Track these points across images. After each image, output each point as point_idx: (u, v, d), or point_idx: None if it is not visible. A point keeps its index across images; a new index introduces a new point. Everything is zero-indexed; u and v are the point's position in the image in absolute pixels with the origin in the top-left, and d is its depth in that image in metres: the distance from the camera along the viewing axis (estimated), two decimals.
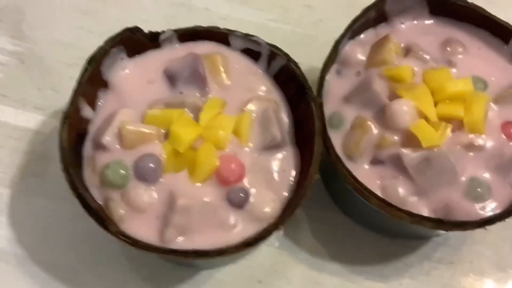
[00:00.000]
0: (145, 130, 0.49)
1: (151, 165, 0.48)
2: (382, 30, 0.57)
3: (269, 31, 0.71)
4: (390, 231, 0.59)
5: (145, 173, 0.48)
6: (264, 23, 0.72)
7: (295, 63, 0.52)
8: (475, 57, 0.56)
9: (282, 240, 0.60)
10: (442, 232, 0.59)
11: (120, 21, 0.69)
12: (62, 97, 0.64)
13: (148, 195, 0.48)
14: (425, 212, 0.51)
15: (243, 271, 0.59)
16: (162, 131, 0.50)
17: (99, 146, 0.49)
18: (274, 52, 0.53)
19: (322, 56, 0.66)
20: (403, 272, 0.59)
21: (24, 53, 0.68)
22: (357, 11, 0.71)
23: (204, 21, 0.70)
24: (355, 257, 0.60)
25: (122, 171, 0.48)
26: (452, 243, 0.61)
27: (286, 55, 0.52)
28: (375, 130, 0.52)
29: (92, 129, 0.51)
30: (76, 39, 0.69)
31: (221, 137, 0.49)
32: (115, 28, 0.69)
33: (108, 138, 0.49)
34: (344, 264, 0.59)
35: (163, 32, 0.54)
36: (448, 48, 0.56)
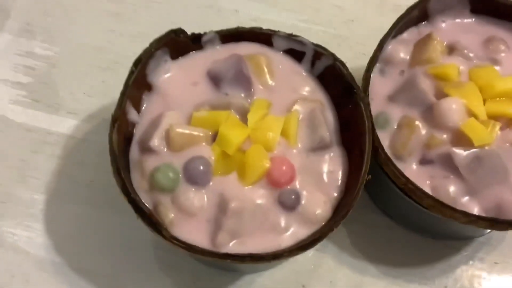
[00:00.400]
0: (193, 132, 0.48)
1: (201, 167, 0.47)
2: (424, 28, 0.57)
3: (299, 32, 0.69)
4: (434, 232, 0.58)
5: (196, 176, 0.47)
6: (295, 23, 0.71)
7: (342, 63, 0.51)
8: None
9: (324, 243, 0.59)
10: (486, 231, 0.58)
11: (150, 24, 0.69)
12: (95, 101, 0.65)
13: (198, 199, 0.47)
14: (476, 211, 0.50)
15: (286, 275, 0.58)
16: (210, 133, 0.49)
17: (146, 149, 0.49)
18: (319, 52, 0.52)
19: (355, 56, 0.66)
20: (447, 274, 0.58)
21: (55, 57, 0.67)
22: (387, 11, 0.72)
23: (233, 23, 0.69)
24: (398, 259, 0.59)
25: (172, 174, 0.47)
26: (494, 243, 0.60)
27: (333, 55, 0.52)
28: (423, 129, 0.51)
29: (137, 132, 0.50)
30: (107, 43, 0.68)
31: (270, 138, 0.49)
32: (146, 31, 0.69)
33: (156, 141, 0.48)
34: (387, 266, 0.58)
35: (205, 33, 0.53)
36: (490, 46, 0.56)
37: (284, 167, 0.48)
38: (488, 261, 0.59)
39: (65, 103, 0.64)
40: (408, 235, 0.59)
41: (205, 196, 0.47)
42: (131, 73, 0.49)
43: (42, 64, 0.66)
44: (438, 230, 0.57)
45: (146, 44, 0.67)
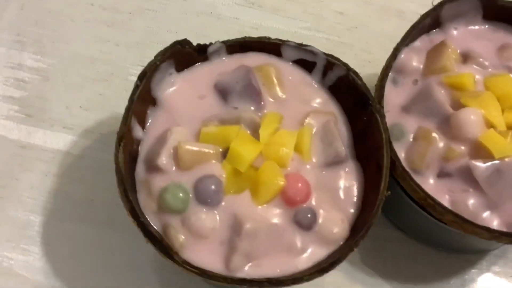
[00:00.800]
0: (203, 149, 0.46)
1: (213, 187, 0.45)
2: (435, 36, 0.55)
3: (302, 40, 0.68)
4: (450, 246, 0.56)
5: (207, 196, 0.45)
6: (297, 31, 0.69)
7: (356, 73, 0.49)
8: None
9: None
10: (501, 244, 0.57)
11: (147, 33, 0.67)
12: (92, 115, 0.62)
13: (210, 220, 0.45)
14: (496, 225, 0.48)
15: None
16: (220, 149, 0.46)
17: (154, 168, 0.46)
18: (332, 62, 0.50)
19: (360, 64, 0.64)
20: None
21: (48, 69, 0.64)
22: (390, 16, 0.70)
23: (234, 31, 0.68)
24: (412, 274, 0.57)
25: (182, 194, 0.45)
26: (510, 255, 0.58)
27: (346, 65, 0.50)
28: (440, 141, 0.50)
29: (143, 150, 0.48)
30: (103, 53, 0.65)
31: (284, 154, 0.46)
32: (143, 40, 0.66)
33: (164, 159, 0.45)
34: (401, 282, 0.57)
35: (211, 44, 0.50)
36: (504, 54, 0.54)
37: (299, 184, 0.46)
38: (504, 274, 0.57)
39: (60, 118, 0.61)
40: (421, 249, 0.57)
41: (217, 217, 0.45)
42: (136, 87, 0.46)
43: (34, 76, 0.63)
44: (454, 245, 0.55)
45: (143, 54, 0.65)
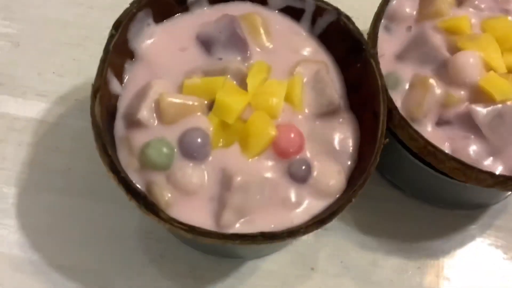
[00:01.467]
0: (187, 101, 0.43)
1: (199, 140, 0.42)
2: None
3: None
4: (449, 202, 0.54)
5: (193, 149, 0.41)
6: None
7: (348, 17, 0.46)
8: None
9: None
10: (502, 198, 0.54)
11: None
12: (66, 81, 0.58)
13: (197, 175, 0.41)
14: (500, 172, 0.46)
15: (292, 258, 0.53)
16: (205, 102, 0.43)
17: (134, 123, 0.43)
18: (321, 7, 0.47)
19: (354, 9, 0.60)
20: (466, 244, 0.54)
21: (18, 35, 0.60)
22: None
23: None
24: (411, 233, 0.54)
25: (165, 149, 0.41)
26: (511, 209, 0.56)
27: (337, 9, 0.47)
28: (438, 87, 0.47)
29: (121, 105, 0.44)
30: (76, 16, 0.61)
31: (274, 104, 0.43)
32: (119, 2, 0.62)
33: (145, 113, 0.42)
34: (401, 241, 0.54)
35: None
36: None
37: (292, 135, 0.43)
38: (505, 229, 0.55)
39: (33, 85, 0.57)
40: (420, 207, 0.55)
41: (205, 172, 0.42)
42: (111, 36, 0.43)
43: (4, 43, 0.59)
44: (454, 199, 0.53)
45: (118, 16, 0.61)
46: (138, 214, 0.52)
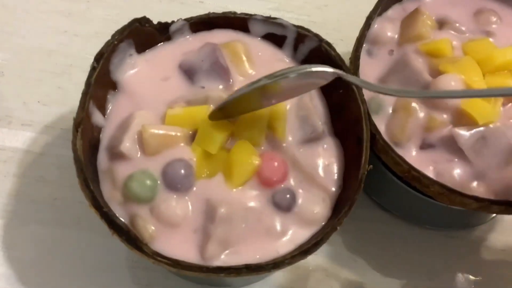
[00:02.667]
0: (169, 132, 0.42)
1: (182, 171, 0.41)
2: (408, 4, 0.53)
3: None
4: (436, 222, 0.54)
5: (176, 181, 0.41)
6: (265, 12, 0.65)
7: (329, 44, 0.46)
8: (511, 25, 0.52)
9: None
10: (490, 217, 0.54)
11: (107, 22, 0.63)
12: (52, 110, 0.58)
13: (181, 207, 0.41)
14: (484, 195, 0.46)
15: (281, 284, 0.52)
16: (189, 132, 0.43)
17: (117, 155, 0.42)
18: (302, 34, 0.47)
19: (332, 42, 0.61)
20: (455, 265, 0.54)
21: (2, 64, 0.60)
22: None
23: None
24: (398, 255, 0.54)
25: (149, 181, 0.41)
26: (499, 229, 0.56)
27: (317, 35, 0.47)
28: (420, 111, 0.47)
29: (104, 137, 0.44)
30: (60, 45, 0.61)
31: (256, 133, 0.43)
32: (103, 30, 0.62)
33: (127, 145, 0.42)
34: (388, 263, 0.54)
35: (173, 22, 0.47)
36: (481, 18, 0.52)
37: (275, 163, 0.43)
38: (493, 249, 0.55)
39: (18, 115, 0.57)
40: (406, 228, 0.55)
41: (189, 203, 0.42)
42: (93, 69, 0.43)
43: None
44: (441, 220, 0.53)
45: (103, 43, 0.61)
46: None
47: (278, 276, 0.52)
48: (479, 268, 0.54)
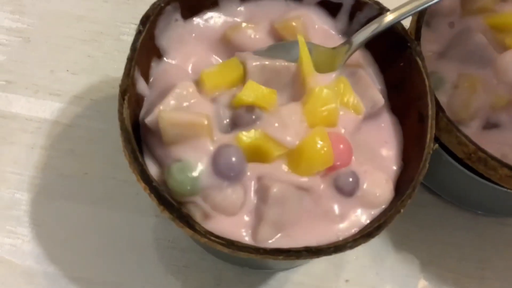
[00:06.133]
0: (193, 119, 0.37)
1: (233, 158, 0.37)
2: None
3: None
4: (491, 208, 0.51)
5: (230, 169, 0.37)
6: None
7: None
8: None
9: None
10: None
11: None
12: (81, 79, 0.55)
13: (238, 196, 0.37)
14: None
15: (324, 269, 0.50)
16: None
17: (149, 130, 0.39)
18: (361, 1, 0.43)
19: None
20: (510, 254, 0.51)
21: (28, 30, 0.56)
22: None
23: None
24: (449, 241, 0.52)
25: (189, 175, 0.37)
26: None
27: (378, 3, 0.43)
28: (485, 88, 0.44)
29: (144, 108, 0.41)
30: (90, 11, 0.58)
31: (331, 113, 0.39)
32: None
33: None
34: (440, 250, 0.51)
35: None
36: None
37: (341, 146, 0.39)
38: None
39: (45, 84, 0.54)
40: (458, 214, 0.52)
41: (244, 189, 0.38)
42: (139, 33, 0.39)
43: (14, 39, 0.56)
44: (498, 206, 0.50)
45: (135, 10, 0.58)
46: (160, 222, 0.49)
47: (321, 261, 0.49)
48: None
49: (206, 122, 0.37)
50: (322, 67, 0.41)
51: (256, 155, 0.38)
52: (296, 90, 0.40)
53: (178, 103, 0.38)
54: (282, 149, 0.38)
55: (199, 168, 0.37)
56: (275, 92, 0.39)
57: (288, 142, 0.37)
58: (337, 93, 0.40)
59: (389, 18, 0.40)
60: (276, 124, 0.38)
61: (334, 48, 0.42)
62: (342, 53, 0.41)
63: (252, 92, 0.38)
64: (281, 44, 0.42)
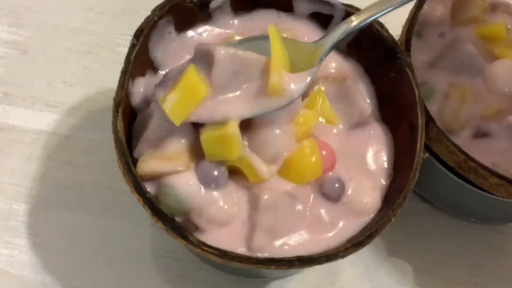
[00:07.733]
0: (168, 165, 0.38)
1: (215, 172, 0.38)
2: None
3: None
4: (484, 216, 0.51)
5: (212, 180, 0.38)
6: None
7: (381, 24, 0.43)
8: None
9: None
10: None
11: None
12: (78, 91, 0.56)
13: (230, 205, 0.38)
14: None
15: (318, 277, 0.50)
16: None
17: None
18: (352, 13, 0.44)
19: None
20: (503, 261, 0.52)
21: (25, 42, 0.57)
22: None
23: None
24: (443, 249, 0.52)
25: (177, 198, 0.38)
26: None
27: None
28: (476, 97, 0.44)
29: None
30: (86, 23, 0.59)
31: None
32: (131, 7, 0.60)
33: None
34: (432, 258, 0.51)
35: None
36: None
37: (324, 152, 0.40)
38: None
39: (42, 95, 0.55)
40: (451, 222, 0.53)
41: (234, 196, 0.39)
42: (132, 46, 0.40)
43: (11, 51, 0.56)
44: (491, 214, 0.50)
45: (131, 22, 0.58)
46: (156, 232, 0.50)
47: (315, 269, 0.50)
48: None
49: (181, 168, 0.38)
50: (300, 65, 0.40)
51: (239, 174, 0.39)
52: (265, 87, 0.38)
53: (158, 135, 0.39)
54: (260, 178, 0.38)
55: (186, 191, 0.38)
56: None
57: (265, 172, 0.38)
58: (314, 106, 0.41)
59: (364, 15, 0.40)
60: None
61: (314, 42, 0.41)
62: (321, 49, 0.40)
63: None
64: (254, 37, 0.41)
